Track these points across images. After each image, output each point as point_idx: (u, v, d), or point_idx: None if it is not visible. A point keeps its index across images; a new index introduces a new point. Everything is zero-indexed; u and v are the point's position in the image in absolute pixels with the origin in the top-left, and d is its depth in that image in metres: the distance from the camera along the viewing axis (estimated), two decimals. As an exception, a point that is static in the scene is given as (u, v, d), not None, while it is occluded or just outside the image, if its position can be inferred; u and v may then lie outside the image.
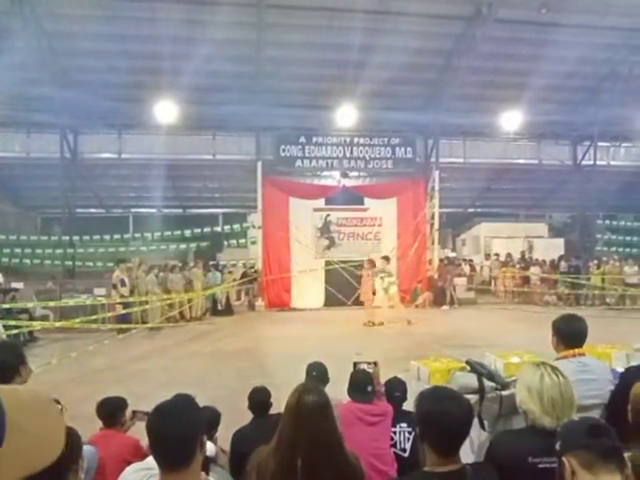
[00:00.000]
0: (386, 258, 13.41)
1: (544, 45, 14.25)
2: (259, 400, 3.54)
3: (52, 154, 16.25)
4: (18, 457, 0.71)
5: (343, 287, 16.03)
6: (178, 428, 1.61)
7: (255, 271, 16.14)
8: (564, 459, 1.57)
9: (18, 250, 17.29)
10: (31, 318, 11.01)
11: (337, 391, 3.45)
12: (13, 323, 9.55)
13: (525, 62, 15.08)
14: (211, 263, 16.25)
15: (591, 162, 18.56)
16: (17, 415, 0.73)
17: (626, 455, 1.57)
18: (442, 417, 1.82)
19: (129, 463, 2.27)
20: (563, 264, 17.43)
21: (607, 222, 21.27)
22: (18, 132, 16.83)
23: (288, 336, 11.14)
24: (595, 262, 17.45)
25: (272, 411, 3.52)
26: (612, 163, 19.86)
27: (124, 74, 14.72)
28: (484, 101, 16.53)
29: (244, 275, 15.94)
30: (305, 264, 16.10)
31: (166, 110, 15.33)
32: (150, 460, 1.82)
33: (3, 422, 0.70)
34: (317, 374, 3.54)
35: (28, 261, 16.71)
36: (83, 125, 16.71)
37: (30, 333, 10.61)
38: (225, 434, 3.50)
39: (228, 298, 15.35)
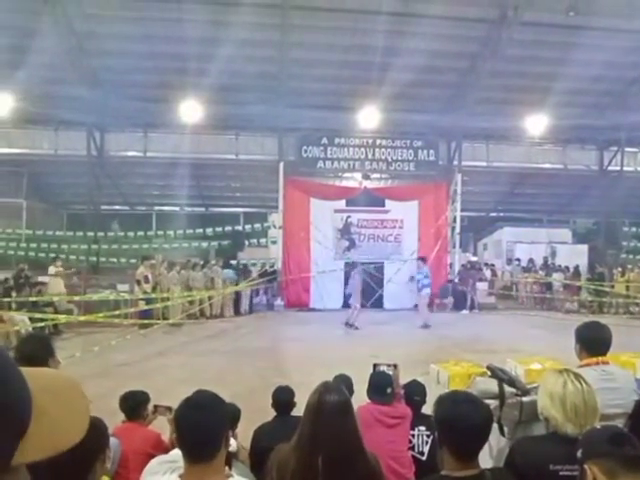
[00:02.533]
0: (423, 259, 13.50)
1: (570, 48, 13.98)
2: (283, 399, 3.55)
3: (79, 152, 16.55)
4: (42, 438, 0.72)
5: (362, 289, 15.98)
6: (206, 421, 1.65)
7: (274, 271, 16.21)
8: (586, 467, 1.55)
9: (45, 245, 17.69)
10: (56, 312, 11.26)
11: (356, 392, 3.46)
12: (39, 316, 9.79)
13: (551, 65, 14.83)
14: (230, 262, 16.36)
15: (618, 167, 18.21)
16: (42, 397, 0.74)
17: None
18: (461, 421, 1.81)
19: (151, 456, 2.31)
20: (587, 271, 17.13)
21: (633, 229, 20.83)
22: (46, 129, 17.13)
23: (307, 336, 11.16)
24: (620, 269, 17.10)
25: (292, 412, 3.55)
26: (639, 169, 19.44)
27: (150, 74, 14.93)
28: (508, 104, 16.27)
29: (263, 274, 16.02)
30: (325, 265, 16.10)
31: (191, 110, 15.45)
32: (174, 453, 1.87)
33: (29, 405, 0.71)
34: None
35: (54, 256, 17.04)
36: (110, 124, 16.98)
37: (55, 326, 10.83)
38: (243, 432, 3.54)
39: (251, 298, 15.48)
